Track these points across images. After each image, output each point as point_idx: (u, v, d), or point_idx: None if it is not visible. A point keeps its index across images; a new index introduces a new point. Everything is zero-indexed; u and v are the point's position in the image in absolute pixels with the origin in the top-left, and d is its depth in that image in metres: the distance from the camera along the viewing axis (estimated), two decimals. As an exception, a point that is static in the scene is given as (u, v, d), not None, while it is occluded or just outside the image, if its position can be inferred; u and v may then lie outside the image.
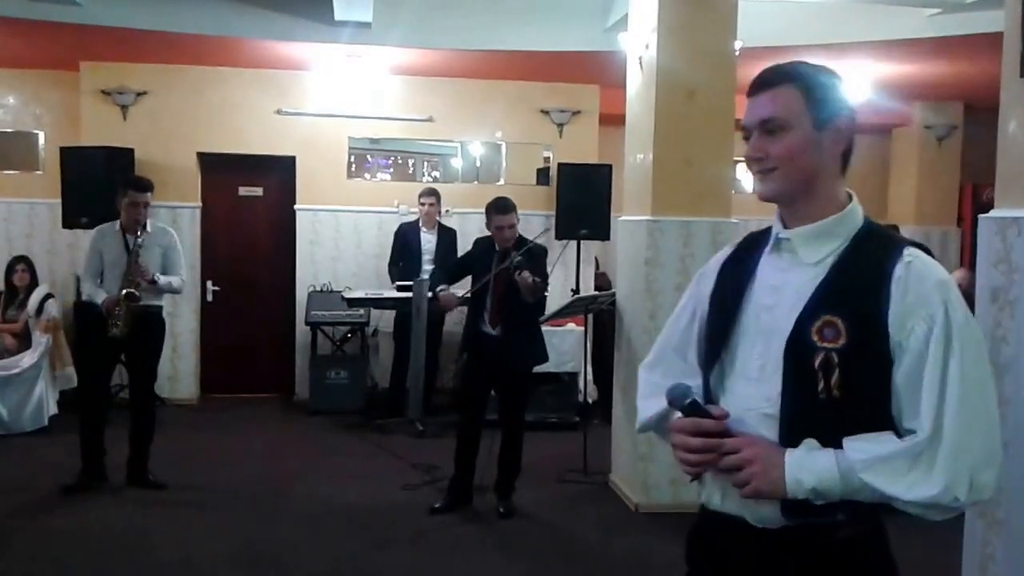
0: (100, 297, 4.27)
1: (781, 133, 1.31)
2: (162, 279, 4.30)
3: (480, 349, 4.18)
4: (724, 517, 1.37)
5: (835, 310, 1.26)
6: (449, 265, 4.76)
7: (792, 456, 1.26)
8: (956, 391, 1.21)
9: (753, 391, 1.32)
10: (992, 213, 2.76)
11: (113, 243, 4.35)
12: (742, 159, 1.43)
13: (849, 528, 1.29)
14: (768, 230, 1.43)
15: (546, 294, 4.22)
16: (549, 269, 6.43)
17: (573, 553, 3.82)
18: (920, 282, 1.25)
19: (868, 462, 1.22)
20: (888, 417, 1.26)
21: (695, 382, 1.41)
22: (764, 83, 1.33)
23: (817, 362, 1.25)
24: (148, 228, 4.33)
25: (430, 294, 4.57)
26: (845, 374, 1.25)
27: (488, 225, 4.17)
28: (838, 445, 1.26)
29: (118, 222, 4.38)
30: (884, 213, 7.97)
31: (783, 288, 1.34)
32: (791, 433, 1.28)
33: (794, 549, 1.30)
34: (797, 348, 1.28)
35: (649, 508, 4.19)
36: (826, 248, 1.32)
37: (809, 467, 1.24)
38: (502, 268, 4.03)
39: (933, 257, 1.32)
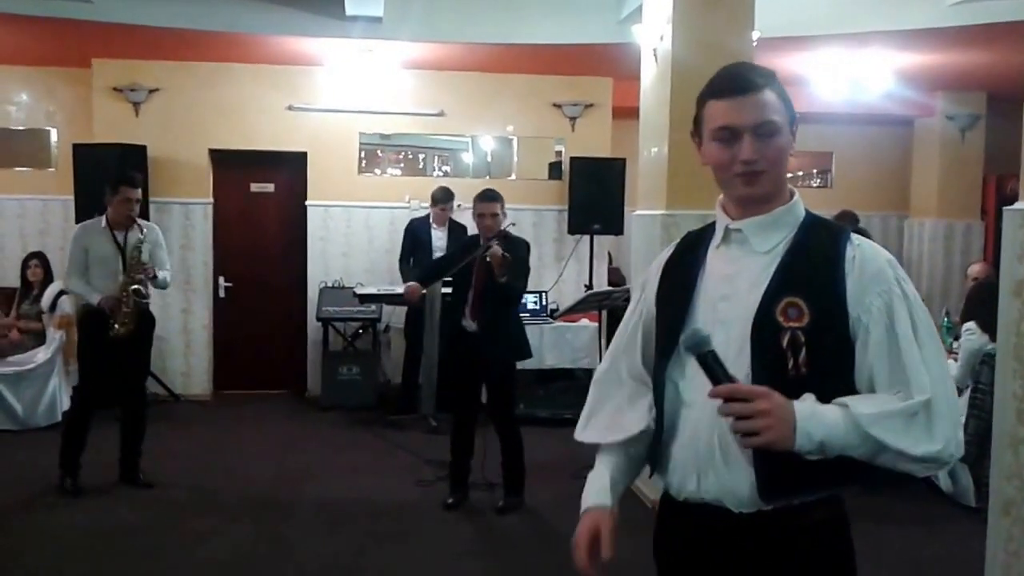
0: (93, 296, 4.18)
1: (774, 137, 1.36)
2: (160, 274, 4.29)
3: (460, 346, 4.16)
4: (696, 507, 1.38)
5: (796, 291, 1.32)
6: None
7: (802, 409, 1.27)
8: (933, 356, 1.31)
9: None
10: (1017, 205, 2.69)
11: (101, 240, 4.25)
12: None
13: (821, 511, 1.35)
14: (708, 228, 1.49)
15: (523, 286, 4.18)
16: (561, 263, 6.37)
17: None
18: (871, 261, 1.34)
19: (875, 417, 1.27)
20: (852, 391, 1.32)
21: (646, 383, 1.49)
22: (751, 86, 1.36)
23: (784, 341, 1.31)
24: (143, 228, 4.27)
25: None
26: (811, 351, 1.31)
27: (473, 214, 4.23)
28: None
29: (103, 219, 4.29)
30: (906, 205, 7.85)
31: (737, 277, 1.39)
32: None
33: (770, 534, 1.34)
34: (764, 329, 1.32)
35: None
36: (776, 237, 1.38)
37: (819, 420, 1.27)
38: (476, 256, 4.02)
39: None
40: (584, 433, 1.57)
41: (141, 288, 4.19)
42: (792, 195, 1.42)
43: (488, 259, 3.90)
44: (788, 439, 1.25)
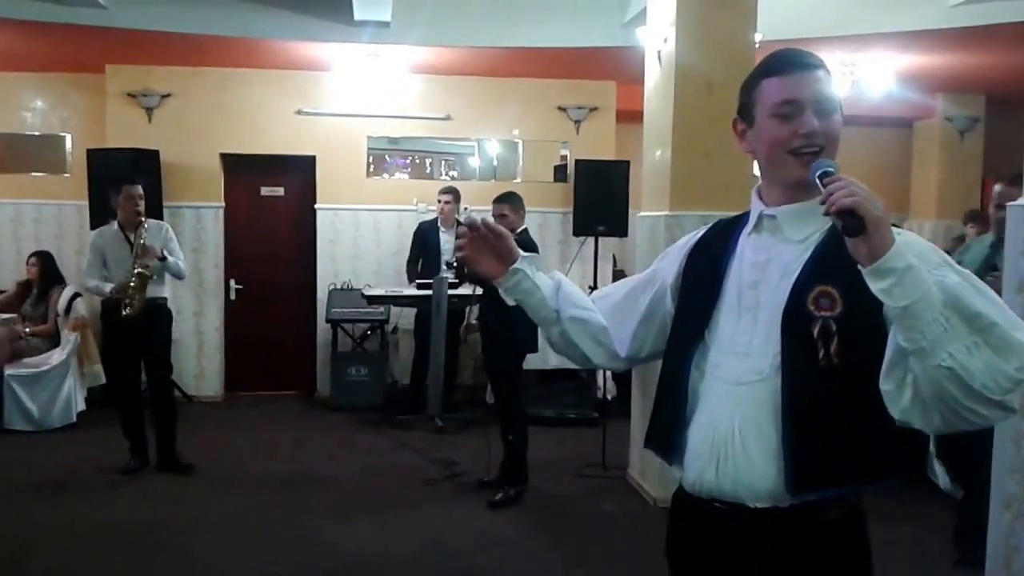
0: (107, 287, 4.51)
1: (832, 115, 1.34)
2: (170, 258, 4.56)
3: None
4: (711, 502, 1.35)
5: (829, 280, 1.27)
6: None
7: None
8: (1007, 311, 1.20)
9: (742, 365, 1.33)
10: (1021, 201, 2.72)
11: (114, 241, 4.57)
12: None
13: (838, 509, 1.31)
14: (741, 216, 1.45)
15: None
16: (566, 265, 6.43)
17: (590, 546, 3.83)
18: (913, 245, 1.24)
19: (966, 289, 1.17)
20: None
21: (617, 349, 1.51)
22: (815, 63, 1.35)
23: (816, 331, 1.26)
24: (145, 223, 4.56)
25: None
26: (844, 341, 1.25)
27: None
28: (840, 414, 1.26)
29: (115, 223, 4.60)
30: (906, 206, 7.90)
31: (768, 265, 1.35)
32: (793, 402, 1.27)
33: (786, 531, 1.30)
34: (794, 318, 1.28)
35: (667, 502, 4.12)
36: (812, 226, 1.33)
37: (915, 259, 1.15)
38: None
39: None
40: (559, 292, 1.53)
41: (144, 271, 4.44)
42: None
43: None
44: (888, 239, 1.13)
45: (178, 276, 4.72)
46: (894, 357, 1.18)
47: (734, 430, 1.31)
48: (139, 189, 4.57)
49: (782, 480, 1.27)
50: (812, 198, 1.26)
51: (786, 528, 1.30)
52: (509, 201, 4.35)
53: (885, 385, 1.20)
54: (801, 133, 1.30)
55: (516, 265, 1.49)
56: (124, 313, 4.41)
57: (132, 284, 4.43)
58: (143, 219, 4.53)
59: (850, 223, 1.14)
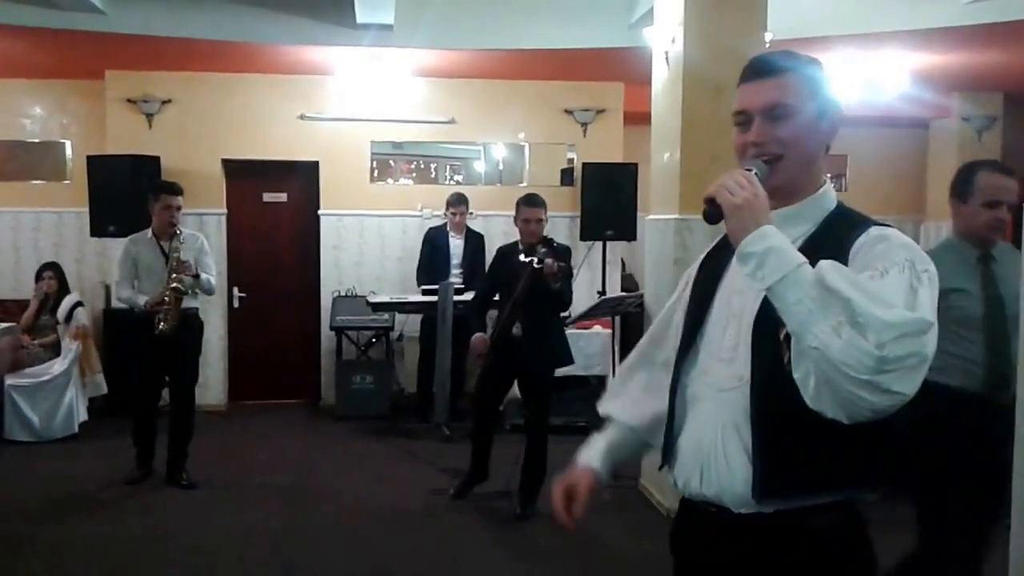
0: (141, 299, 4.36)
1: (788, 120, 1.32)
2: (203, 275, 4.45)
3: (504, 350, 4.15)
4: (703, 507, 1.37)
5: None
6: (479, 292, 4.57)
7: (773, 228, 1.21)
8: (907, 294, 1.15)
9: (725, 370, 1.35)
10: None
11: (148, 250, 4.46)
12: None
13: (826, 517, 1.29)
14: None
15: (571, 291, 4.16)
16: (575, 271, 6.35)
17: (602, 558, 3.75)
18: (880, 242, 1.25)
19: (837, 270, 1.14)
20: None
21: (664, 374, 1.49)
22: (768, 70, 1.34)
23: (783, 334, 1.25)
24: (181, 232, 4.45)
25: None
26: None
27: (516, 219, 4.20)
28: (804, 415, 1.20)
29: (149, 230, 4.49)
30: (922, 207, 7.77)
31: None
32: (760, 403, 1.28)
33: (771, 536, 1.31)
34: (764, 322, 1.29)
35: (680, 514, 4.09)
36: (799, 230, 1.33)
37: (782, 241, 1.19)
38: (526, 263, 3.96)
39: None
40: (605, 405, 1.64)
41: (180, 286, 4.32)
42: (822, 186, 1.38)
43: (543, 269, 3.82)
44: (748, 225, 1.20)
45: (208, 293, 4.57)
46: (797, 344, 1.18)
47: (717, 437, 1.33)
48: (179, 200, 4.44)
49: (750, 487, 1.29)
50: (797, 202, 1.34)
51: (771, 533, 1.31)
52: (544, 205, 4.17)
53: (795, 373, 1.19)
54: (750, 142, 1.34)
55: (597, 472, 1.56)
56: (158, 330, 4.28)
57: (167, 301, 4.29)
58: (178, 230, 4.41)
59: (708, 210, 1.25)
